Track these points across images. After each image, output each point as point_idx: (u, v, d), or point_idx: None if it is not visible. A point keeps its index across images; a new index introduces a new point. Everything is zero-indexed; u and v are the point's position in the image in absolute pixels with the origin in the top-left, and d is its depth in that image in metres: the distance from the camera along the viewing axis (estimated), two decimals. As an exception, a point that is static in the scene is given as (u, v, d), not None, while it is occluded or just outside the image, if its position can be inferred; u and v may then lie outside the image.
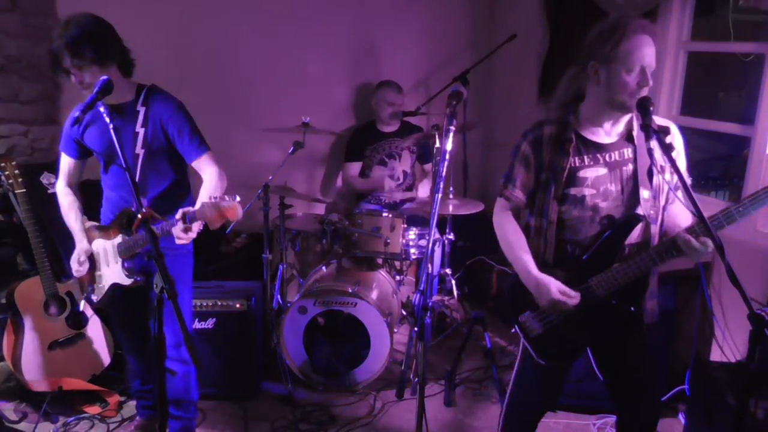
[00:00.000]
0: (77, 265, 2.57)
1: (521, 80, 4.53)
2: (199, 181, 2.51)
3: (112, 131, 2.10)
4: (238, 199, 2.15)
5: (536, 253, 2.06)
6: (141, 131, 2.44)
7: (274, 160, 3.92)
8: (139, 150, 2.45)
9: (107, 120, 2.12)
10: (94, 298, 2.61)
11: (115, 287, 2.54)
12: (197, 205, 2.27)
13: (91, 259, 2.59)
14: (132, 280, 2.47)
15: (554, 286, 1.97)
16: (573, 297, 1.96)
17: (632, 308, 2.03)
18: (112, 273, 2.53)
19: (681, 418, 3.04)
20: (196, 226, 2.23)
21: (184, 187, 2.63)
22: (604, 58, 1.88)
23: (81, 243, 2.58)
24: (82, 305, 2.68)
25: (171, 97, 2.51)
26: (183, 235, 2.22)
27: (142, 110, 2.44)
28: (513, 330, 2.16)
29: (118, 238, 2.49)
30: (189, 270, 2.71)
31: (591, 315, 2.01)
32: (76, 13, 2.30)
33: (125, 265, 2.48)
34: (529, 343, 2.12)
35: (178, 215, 2.22)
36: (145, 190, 2.50)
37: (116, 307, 2.66)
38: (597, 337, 2.12)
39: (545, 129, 2.04)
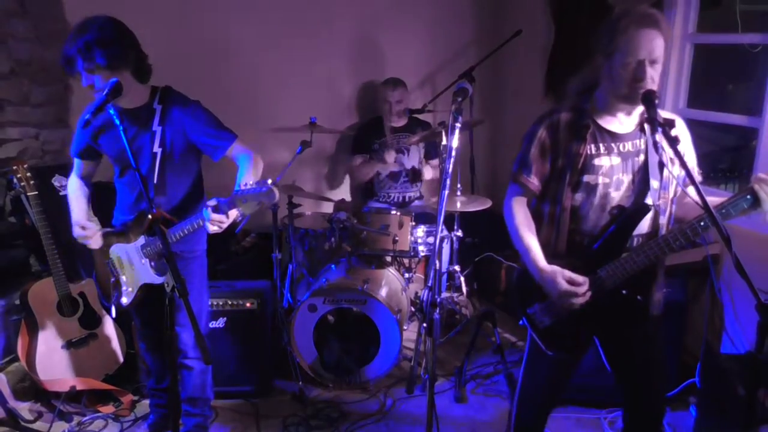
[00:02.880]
0: (81, 231, 2.51)
1: (527, 76, 4.53)
2: (207, 184, 2.52)
3: (122, 132, 2.09)
4: (270, 181, 2.12)
5: (547, 242, 2.05)
6: (158, 129, 2.41)
7: (282, 160, 3.93)
8: (157, 149, 2.42)
9: (117, 122, 2.11)
10: (124, 301, 2.58)
11: (146, 287, 2.53)
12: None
13: (112, 266, 2.58)
14: (164, 278, 2.46)
15: (560, 276, 1.94)
16: (581, 284, 1.95)
17: (639, 297, 2.03)
18: (141, 274, 2.52)
19: (692, 410, 3.04)
20: (232, 214, 2.23)
21: (200, 189, 2.63)
22: (603, 52, 1.91)
23: (75, 215, 2.57)
24: (114, 312, 2.64)
25: (187, 98, 2.48)
26: (218, 224, 2.23)
27: (158, 108, 2.41)
28: (521, 323, 2.16)
29: (141, 240, 2.48)
30: (204, 272, 2.72)
31: (600, 305, 2.01)
32: (95, 16, 2.24)
33: (152, 264, 2.47)
34: (537, 336, 2.12)
35: (211, 202, 2.20)
36: (164, 190, 2.48)
37: (141, 305, 2.64)
38: (605, 328, 2.13)
39: (561, 115, 2.02)
